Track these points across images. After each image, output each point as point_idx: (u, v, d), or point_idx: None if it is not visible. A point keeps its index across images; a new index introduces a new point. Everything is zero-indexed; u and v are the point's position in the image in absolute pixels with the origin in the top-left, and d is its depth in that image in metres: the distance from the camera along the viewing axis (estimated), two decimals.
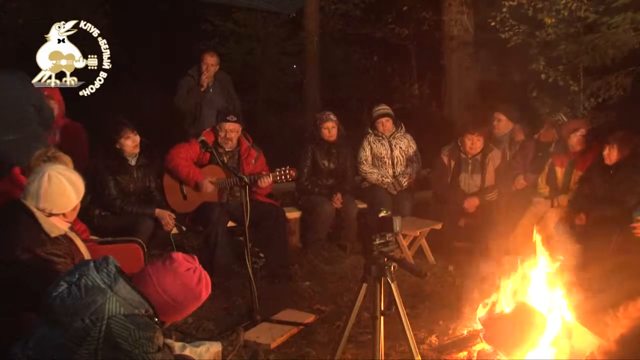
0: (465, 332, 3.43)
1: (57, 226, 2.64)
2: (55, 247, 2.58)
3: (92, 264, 2.06)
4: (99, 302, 1.96)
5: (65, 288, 1.99)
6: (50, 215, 2.62)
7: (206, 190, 4.72)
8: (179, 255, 2.18)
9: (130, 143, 4.51)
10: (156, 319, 2.09)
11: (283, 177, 4.69)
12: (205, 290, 2.20)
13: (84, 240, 3.31)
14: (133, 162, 4.59)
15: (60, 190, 2.63)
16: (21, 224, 2.59)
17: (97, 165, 4.51)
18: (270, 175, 4.71)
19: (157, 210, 4.53)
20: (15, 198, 2.74)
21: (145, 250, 3.85)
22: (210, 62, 5.92)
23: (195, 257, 2.25)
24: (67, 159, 3.43)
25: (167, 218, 4.53)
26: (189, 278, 2.15)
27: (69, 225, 2.77)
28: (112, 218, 4.44)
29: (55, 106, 4.98)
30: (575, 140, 4.79)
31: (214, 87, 6.01)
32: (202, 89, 5.84)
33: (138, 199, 4.59)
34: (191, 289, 2.15)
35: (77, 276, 2.01)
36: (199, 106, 5.88)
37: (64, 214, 2.68)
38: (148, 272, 2.13)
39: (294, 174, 4.72)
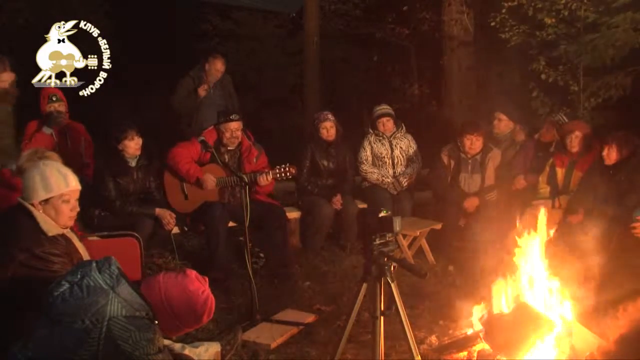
0: (465, 332, 3.42)
1: (55, 225, 2.63)
2: (53, 246, 2.58)
3: (94, 264, 2.06)
4: (101, 303, 1.95)
5: (67, 288, 1.99)
6: (31, 205, 2.61)
7: (208, 184, 4.71)
8: (192, 273, 2.20)
9: (133, 145, 4.52)
10: (156, 322, 2.09)
11: (283, 174, 4.68)
12: (207, 315, 2.21)
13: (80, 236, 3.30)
14: (133, 164, 4.60)
15: (25, 180, 2.61)
16: (18, 223, 2.58)
17: (97, 166, 4.52)
18: (270, 173, 4.70)
19: (158, 210, 4.53)
20: (9, 200, 2.74)
21: (142, 244, 3.84)
22: (220, 69, 5.95)
23: (207, 279, 2.26)
24: (56, 157, 3.42)
25: (168, 217, 4.53)
26: (196, 298, 2.15)
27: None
28: (112, 218, 4.46)
29: (63, 106, 5.00)
30: (569, 142, 4.80)
31: (214, 87, 6.02)
32: (202, 96, 5.85)
33: (137, 199, 4.60)
34: (194, 309, 2.16)
35: (79, 276, 2.01)
36: (196, 109, 5.89)
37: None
38: (159, 279, 2.15)
39: (294, 171, 4.71)
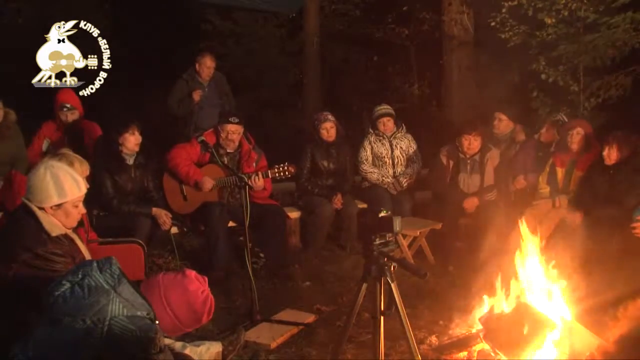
0: (465, 332, 3.43)
1: (58, 225, 2.63)
2: (55, 246, 2.58)
3: (95, 264, 2.06)
4: (102, 302, 1.95)
5: (68, 288, 1.98)
6: (42, 209, 2.61)
7: (206, 187, 4.70)
8: (192, 273, 2.21)
9: (134, 140, 4.51)
10: (157, 322, 2.09)
11: (282, 173, 4.67)
12: (207, 314, 2.21)
13: (90, 241, 3.31)
14: (131, 162, 4.59)
15: (39, 183, 2.60)
16: (22, 223, 2.59)
17: (94, 163, 4.51)
18: (269, 172, 4.68)
19: (154, 210, 4.52)
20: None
21: (146, 250, 3.86)
22: (210, 65, 5.95)
23: (207, 279, 2.26)
24: (73, 158, 3.45)
25: (164, 217, 4.52)
26: (195, 297, 2.16)
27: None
28: (111, 218, 4.44)
29: (76, 113, 5.07)
30: (570, 138, 4.80)
31: (209, 86, 6.03)
32: (196, 100, 5.86)
33: (135, 198, 4.59)
34: (194, 309, 2.16)
35: (80, 276, 2.01)
36: (192, 110, 5.90)
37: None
38: (158, 280, 2.15)
39: (293, 170, 4.70)
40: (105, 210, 4.48)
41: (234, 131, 4.75)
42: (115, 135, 4.50)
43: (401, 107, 8.71)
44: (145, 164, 4.68)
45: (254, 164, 4.86)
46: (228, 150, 4.82)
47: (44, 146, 5.09)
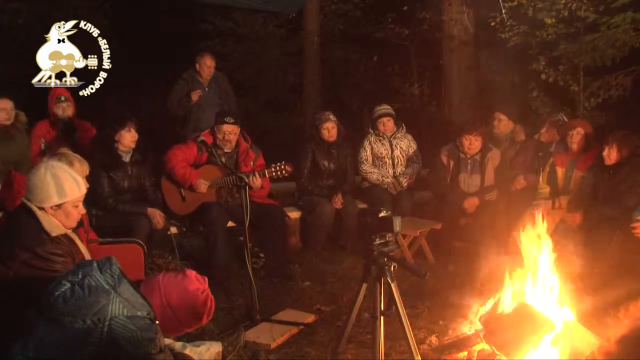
0: (465, 332, 3.42)
1: (58, 225, 2.63)
2: (55, 246, 2.58)
3: (95, 264, 2.05)
4: (102, 302, 1.95)
5: (69, 288, 1.98)
6: (42, 209, 2.60)
7: (200, 190, 4.70)
8: (192, 273, 2.20)
9: (130, 137, 4.50)
10: (157, 322, 2.08)
11: (279, 172, 4.66)
12: (207, 314, 2.21)
13: (90, 241, 3.31)
14: (127, 159, 4.58)
15: (39, 183, 2.59)
16: (21, 223, 2.58)
17: (91, 162, 4.50)
18: (266, 172, 4.68)
19: (149, 210, 4.50)
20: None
21: (146, 250, 3.86)
22: (210, 64, 5.96)
23: (207, 279, 2.26)
24: (73, 157, 3.45)
25: (158, 217, 4.49)
26: (195, 297, 2.16)
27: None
28: (110, 217, 4.42)
29: (71, 107, 5.04)
30: (571, 138, 4.80)
31: (209, 86, 6.04)
32: (194, 100, 5.86)
33: (132, 197, 4.58)
34: (194, 309, 2.16)
35: (80, 276, 2.00)
36: (190, 110, 5.90)
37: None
38: (158, 280, 2.15)
39: (290, 169, 4.69)
40: (100, 209, 4.45)
41: (230, 131, 4.75)
42: (112, 132, 4.49)
43: (401, 107, 8.72)
44: (142, 161, 4.66)
45: (252, 163, 4.84)
46: (225, 150, 4.82)
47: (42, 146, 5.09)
